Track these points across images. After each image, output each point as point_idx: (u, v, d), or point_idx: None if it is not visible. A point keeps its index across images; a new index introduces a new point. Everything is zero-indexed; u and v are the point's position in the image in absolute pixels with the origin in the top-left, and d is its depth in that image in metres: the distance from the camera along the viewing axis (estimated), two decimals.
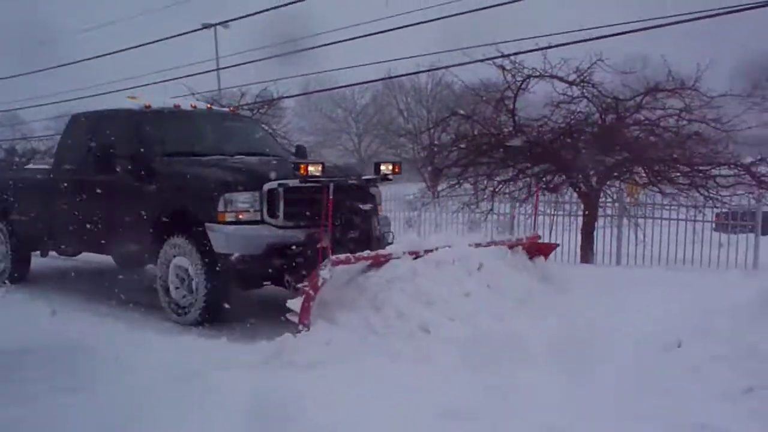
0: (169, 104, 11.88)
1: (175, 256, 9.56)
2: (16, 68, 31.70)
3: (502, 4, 16.23)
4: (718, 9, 13.69)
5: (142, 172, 10.07)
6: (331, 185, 8.50)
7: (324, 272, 7.53)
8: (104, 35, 35.95)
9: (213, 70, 33.01)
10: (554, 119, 14.22)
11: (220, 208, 9.07)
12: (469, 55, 15.90)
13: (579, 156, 13.79)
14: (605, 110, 13.97)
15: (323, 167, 8.83)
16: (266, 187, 9.16)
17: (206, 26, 35.48)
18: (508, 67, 14.16)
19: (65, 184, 11.46)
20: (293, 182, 9.07)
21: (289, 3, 18.30)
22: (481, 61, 14.77)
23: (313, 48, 23.05)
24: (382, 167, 9.41)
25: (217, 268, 9.10)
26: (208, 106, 12.83)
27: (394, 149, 48.43)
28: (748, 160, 13.66)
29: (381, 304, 7.62)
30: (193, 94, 21.51)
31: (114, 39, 28.92)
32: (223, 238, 9.01)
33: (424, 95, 52.11)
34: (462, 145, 15.06)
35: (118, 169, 10.35)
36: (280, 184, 9.16)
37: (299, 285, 7.88)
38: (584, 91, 13.96)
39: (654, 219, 14.74)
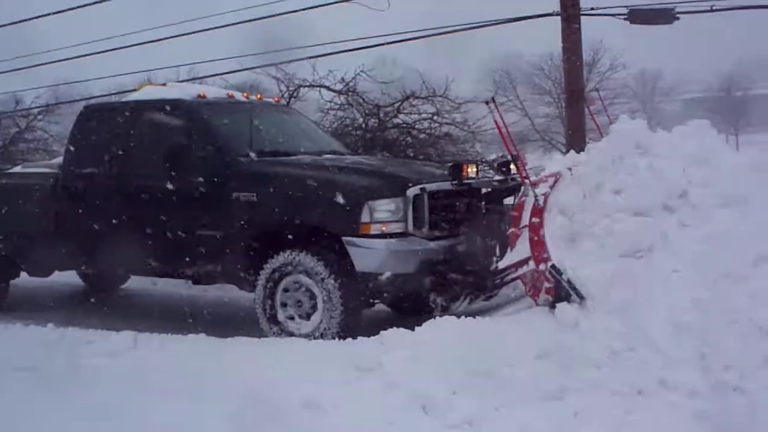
0: (221, 94, 10.25)
1: (288, 275, 8.04)
2: None
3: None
4: (464, 24, 15.61)
5: (228, 177, 8.46)
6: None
7: (538, 189, 6.99)
8: None
9: None
10: (324, 124, 15.77)
11: (364, 218, 7.64)
12: (241, 63, 17.17)
13: None
14: (368, 115, 15.67)
15: (477, 168, 8.25)
16: (411, 192, 7.78)
17: None
18: (280, 77, 15.69)
19: (92, 192, 9.43)
20: (440, 186, 8.08)
21: None
22: (252, 69, 16.19)
23: None
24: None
25: (356, 290, 7.81)
26: (258, 96, 10.93)
27: None
28: (492, 156, 15.75)
29: None
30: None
31: None
32: (369, 254, 7.63)
33: None
34: None
35: (189, 174, 8.59)
36: (422, 189, 7.87)
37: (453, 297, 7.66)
38: (349, 98, 15.64)
39: None
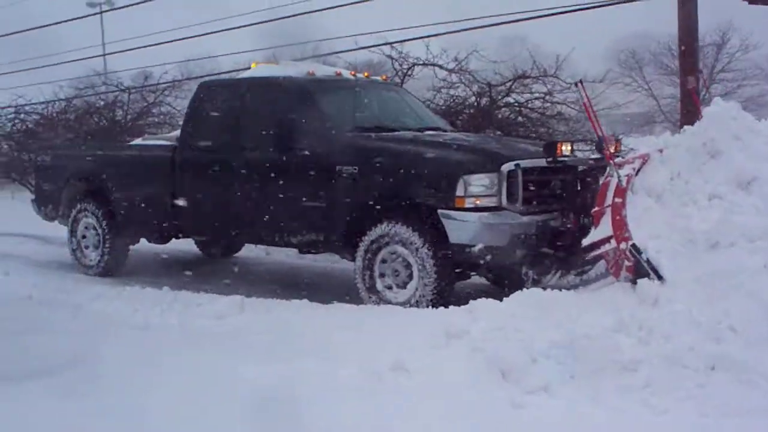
0: (330, 72, 10.68)
1: (385, 246, 8.47)
2: None
3: None
4: (585, 4, 15.58)
5: (331, 150, 8.91)
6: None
7: (622, 170, 7.21)
8: None
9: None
10: (436, 102, 16.05)
11: (459, 192, 7.97)
12: (357, 42, 17.60)
13: None
14: (480, 94, 15.88)
15: (572, 147, 8.44)
16: (505, 168, 8.04)
17: None
18: (394, 56, 16.04)
19: (206, 164, 10.06)
20: (534, 163, 8.31)
21: None
22: (369, 47, 16.61)
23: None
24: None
25: (449, 260, 8.18)
26: (365, 74, 11.42)
27: None
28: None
29: None
30: None
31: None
32: (463, 227, 7.97)
33: None
34: None
35: (295, 147, 9.12)
36: (516, 165, 8.12)
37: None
38: (462, 77, 15.90)
39: None
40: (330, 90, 9.94)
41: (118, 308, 8.67)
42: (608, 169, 7.46)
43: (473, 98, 16.06)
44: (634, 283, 6.73)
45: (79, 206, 11.45)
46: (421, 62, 16.04)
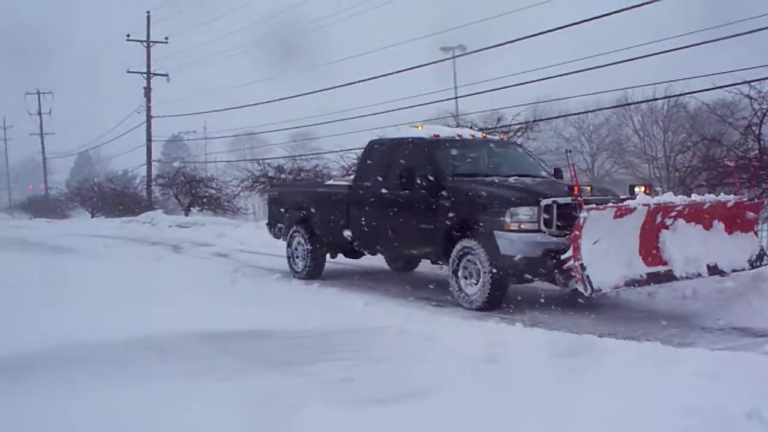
0: (453, 133, 14.57)
1: (465, 255, 11.91)
2: None
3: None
4: None
5: (437, 189, 12.55)
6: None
7: (583, 213, 9.96)
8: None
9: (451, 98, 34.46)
10: None
11: (507, 219, 11.27)
12: (713, 82, 17.15)
13: None
14: None
15: (591, 189, 11.50)
16: (543, 203, 11.20)
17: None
18: (753, 96, 15.42)
19: (366, 198, 14.09)
20: (564, 199, 11.19)
21: None
22: (724, 87, 16.13)
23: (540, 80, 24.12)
24: (636, 189, 11.34)
25: (501, 266, 11.34)
26: (483, 135, 15.38)
27: (628, 169, 48.86)
28: None
29: None
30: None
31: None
32: (508, 243, 11.20)
33: (660, 115, 52.27)
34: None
35: (415, 187, 12.83)
36: (553, 201, 11.20)
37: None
38: None
39: None
40: (443, 147, 13.60)
41: (471, 341, 9.04)
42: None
43: None
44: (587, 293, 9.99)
45: (293, 228, 15.93)
46: None
